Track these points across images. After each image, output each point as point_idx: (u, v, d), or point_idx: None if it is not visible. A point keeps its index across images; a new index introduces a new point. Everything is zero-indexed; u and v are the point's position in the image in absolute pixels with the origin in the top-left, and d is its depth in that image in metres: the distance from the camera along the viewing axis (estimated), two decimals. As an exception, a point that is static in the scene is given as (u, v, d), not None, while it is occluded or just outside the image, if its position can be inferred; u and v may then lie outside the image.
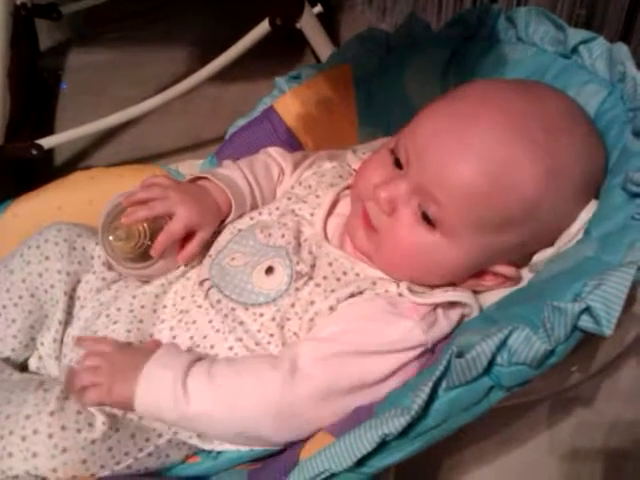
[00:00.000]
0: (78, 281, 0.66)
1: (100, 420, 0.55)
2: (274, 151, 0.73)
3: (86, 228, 0.68)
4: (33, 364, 0.65)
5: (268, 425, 0.53)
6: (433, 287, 0.59)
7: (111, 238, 0.62)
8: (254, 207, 0.69)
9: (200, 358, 0.56)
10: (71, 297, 0.66)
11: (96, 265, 0.67)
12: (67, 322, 0.65)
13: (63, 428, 0.53)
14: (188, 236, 0.64)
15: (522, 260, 0.59)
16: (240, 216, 0.67)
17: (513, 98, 0.56)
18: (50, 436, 0.52)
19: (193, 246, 0.64)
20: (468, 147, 0.53)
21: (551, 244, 0.57)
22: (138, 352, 0.56)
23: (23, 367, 0.66)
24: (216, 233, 0.67)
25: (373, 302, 0.57)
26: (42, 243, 0.66)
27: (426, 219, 0.56)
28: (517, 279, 0.59)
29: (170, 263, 0.65)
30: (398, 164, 0.58)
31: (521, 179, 0.53)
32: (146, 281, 0.66)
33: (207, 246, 0.66)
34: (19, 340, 0.64)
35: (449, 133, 0.54)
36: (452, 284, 0.60)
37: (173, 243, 0.64)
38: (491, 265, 0.58)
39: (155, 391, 0.53)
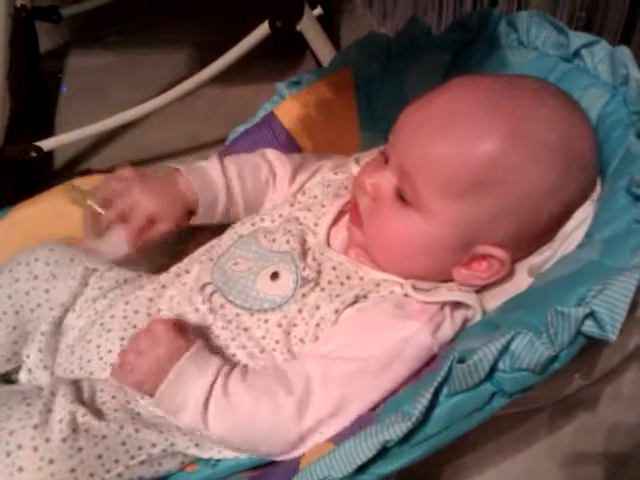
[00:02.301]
0: (75, 295, 0.65)
1: (83, 428, 0.54)
2: (270, 153, 0.72)
3: (80, 250, 0.68)
4: (24, 377, 0.64)
5: (278, 445, 0.53)
6: (437, 283, 0.59)
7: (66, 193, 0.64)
8: (231, 204, 0.68)
9: (221, 366, 0.55)
10: (67, 310, 0.65)
11: (91, 277, 0.66)
12: (59, 332, 0.64)
13: (47, 440, 0.52)
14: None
15: (512, 248, 0.57)
16: (241, 222, 0.67)
17: (483, 78, 0.59)
18: (35, 449, 0.52)
19: (151, 235, 0.64)
20: (428, 117, 0.56)
21: (545, 243, 0.57)
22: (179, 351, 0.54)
23: (6, 380, 0.65)
24: (212, 241, 0.67)
25: (379, 308, 0.57)
26: (32, 262, 0.65)
27: (401, 197, 0.57)
28: (507, 263, 0.57)
29: (120, 246, 0.64)
30: (385, 157, 0.60)
31: (480, 137, 0.54)
32: (138, 278, 0.66)
33: (206, 250, 0.66)
34: (1, 354, 0.63)
35: (415, 112, 0.58)
36: (449, 278, 0.59)
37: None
38: (477, 244, 0.56)
39: (174, 407, 0.53)
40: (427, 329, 0.55)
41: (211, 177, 0.67)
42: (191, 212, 0.66)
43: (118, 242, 0.64)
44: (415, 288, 0.57)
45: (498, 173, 0.53)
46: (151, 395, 0.54)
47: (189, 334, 0.55)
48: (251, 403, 0.53)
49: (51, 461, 0.52)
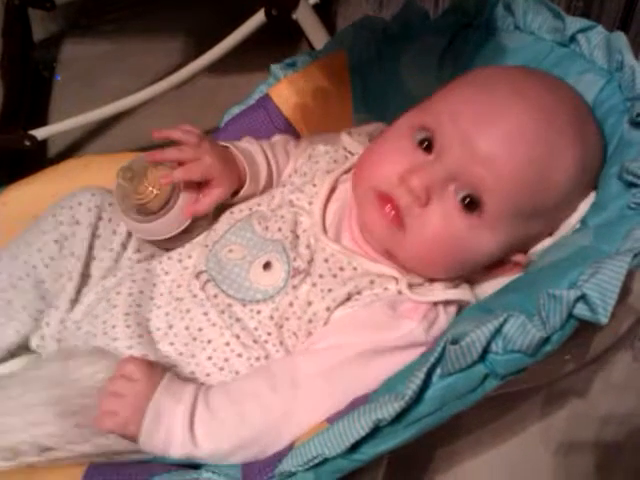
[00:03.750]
0: (93, 258, 0.65)
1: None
2: (283, 136, 0.73)
3: (117, 189, 0.66)
4: (34, 342, 0.63)
5: (272, 443, 0.52)
6: (433, 282, 0.58)
7: (119, 179, 0.61)
8: (269, 186, 0.68)
9: (197, 390, 0.54)
10: (84, 275, 0.64)
11: (114, 243, 0.66)
12: (77, 301, 0.64)
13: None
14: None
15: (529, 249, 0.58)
16: (238, 206, 0.66)
17: (543, 91, 0.57)
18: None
19: (207, 201, 0.63)
20: (518, 135, 0.53)
21: (550, 234, 0.57)
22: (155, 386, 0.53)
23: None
24: (212, 222, 0.66)
25: (372, 308, 0.56)
26: (75, 205, 0.64)
27: (465, 204, 0.54)
28: (525, 265, 0.58)
29: (177, 221, 0.63)
30: (426, 149, 0.56)
31: (560, 170, 0.54)
32: (146, 261, 0.65)
33: (205, 235, 0.65)
34: (32, 303, 0.62)
35: (496, 120, 0.54)
36: (462, 277, 0.59)
37: (183, 201, 0.62)
38: (512, 254, 0.57)
39: (161, 440, 0.52)
40: (421, 327, 0.55)
41: (256, 160, 0.67)
42: (236, 190, 0.66)
43: (172, 219, 0.63)
44: (410, 285, 0.57)
45: (559, 203, 0.55)
46: (136, 438, 0.52)
47: (159, 367, 0.55)
48: (237, 411, 0.52)
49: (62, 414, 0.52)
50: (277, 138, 0.73)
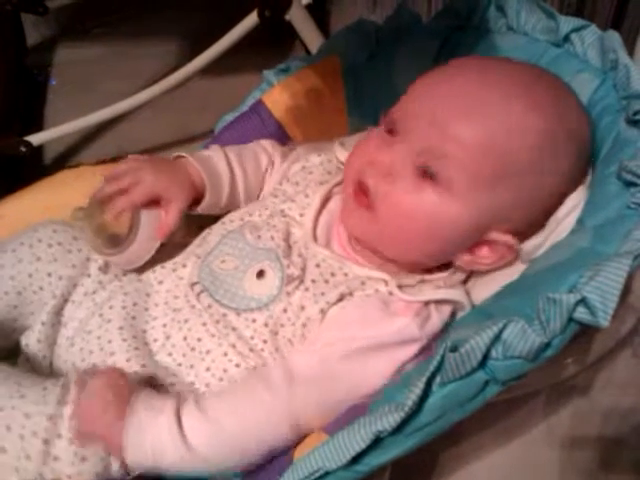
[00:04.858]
0: (74, 285, 0.64)
1: None
2: (267, 143, 0.72)
3: (82, 230, 0.66)
4: (22, 366, 0.63)
5: (270, 441, 0.52)
6: (423, 276, 0.58)
7: (76, 221, 0.62)
8: (235, 193, 0.68)
9: (178, 400, 0.53)
10: (66, 300, 0.64)
11: (92, 268, 0.65)
12: (58, 323, 0.63)
13: (59, 436, 0.51)
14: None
15: (520, 234, 0.58)
16: (229, 217, 0.66)
17: (511, 68, 0.58)
18: (46, 442, 0.51)
19: (169, 218, 0.63)
20: (477, 104, 0.55)
21: (539, 229, 0.57)
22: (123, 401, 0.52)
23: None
24: (204, 233, 0.66)
25: (364, 306, 0.56)
26: (35, 242, 0.64)
27: (429, 176, 0.55)
28: (515, 250, 0.57)
29: (149, 244, 0.63)
30: (393, 133, 0.58)
31: (525, 129, 0.54)
32: (137, 271, 0.65)
33: (198, 244, 0.65)
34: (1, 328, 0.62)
35: (454, 94, 0.56)
36: (450, 263, 0.59)
37: (148, 223, 0.62)
38: (491, 230, 0.57)
39: (151, 451, 0.51)
40: (414, 323, 0.55)
41: (216, 167, 0.66)
42: (196, 201, 0.65)
43: (143, 242, 0.63)
44: (400, 286, 0.57)
45: (530, 164, 0.55)
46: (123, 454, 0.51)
47: (131, 383, 0.54)
48: (234, 411, 0.52)
49: (84, 459, 0.51)
50: (251, 144, 0.72)
